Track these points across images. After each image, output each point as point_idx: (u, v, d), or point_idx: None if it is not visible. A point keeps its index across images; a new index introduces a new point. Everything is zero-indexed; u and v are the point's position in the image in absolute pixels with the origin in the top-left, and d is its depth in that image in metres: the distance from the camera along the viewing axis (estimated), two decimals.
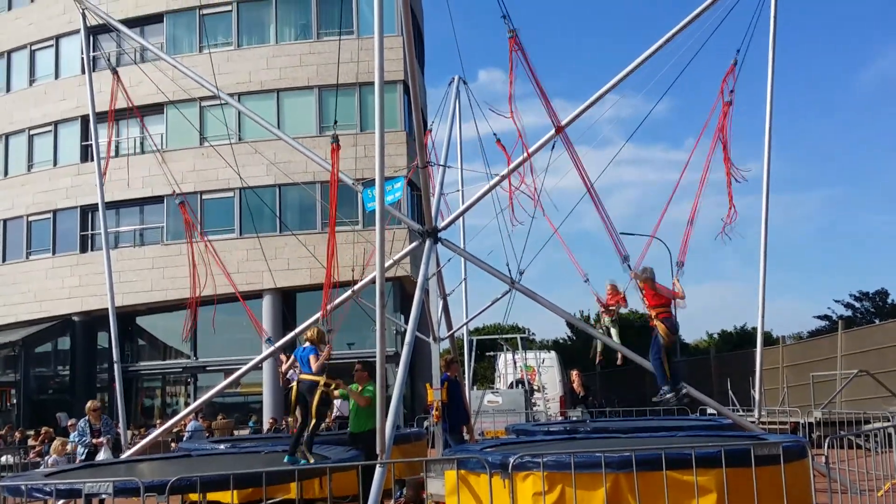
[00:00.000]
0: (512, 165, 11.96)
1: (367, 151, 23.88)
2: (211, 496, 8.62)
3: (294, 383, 9.32)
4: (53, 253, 30.27)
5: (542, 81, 10.60)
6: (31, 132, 31.27)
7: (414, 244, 12.61)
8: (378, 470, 8.47)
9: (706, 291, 73.24)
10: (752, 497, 7.14)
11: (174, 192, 15.32)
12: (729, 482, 7.24)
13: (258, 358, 13.28)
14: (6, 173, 31.85)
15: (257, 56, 28.99)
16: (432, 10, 35.31)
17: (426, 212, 11.95)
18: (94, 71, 15.29)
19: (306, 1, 29.22)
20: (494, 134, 13.76)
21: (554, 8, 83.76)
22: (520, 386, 22.15)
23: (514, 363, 23.98)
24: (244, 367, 13.16)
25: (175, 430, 18.23)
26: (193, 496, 8.36)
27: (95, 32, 24.70)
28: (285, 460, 9.05)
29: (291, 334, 13.01)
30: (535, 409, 21.65)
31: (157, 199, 28.30)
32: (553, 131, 11.00)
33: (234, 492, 7.46)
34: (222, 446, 12.92)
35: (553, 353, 26.67)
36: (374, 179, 9.28)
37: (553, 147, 11.15)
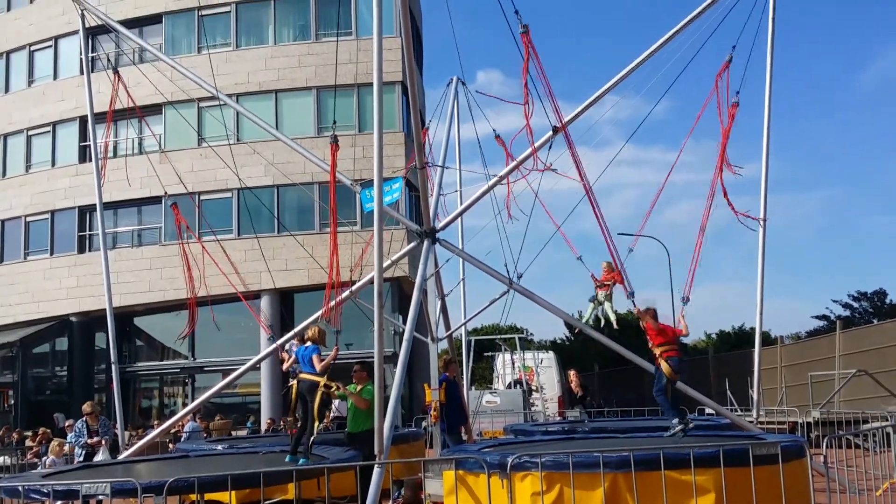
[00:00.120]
0: (511, 166, 11.95)
1: (366, 152, 23.90)
2: (209, 497, 8.59)
3: (293, 381, 9.32)
4: (51, 253, 30.21)
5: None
6: (30, 133, 31.22)
7: (412, 244, 12.62)
8: (376, 470, 8.47)
9: (705, 292, 73.31)
10: (751, 497, 7.13)
11: (166, 193, 15.28)
12: (727, 482, 7.24)
13: (256, 358, 13.30)
14: (4, 174, 31.78)
15: (256, 57, 28.96)
16: (431, 12, 35.36)
17: (424, 212, 11.94)
18: (92, 72, 15.29)
19: (305, 2, 29.18)
20: (494, 130, 13.77)
21: (554, 8, 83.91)
22: (518, 386, 22.16)
23: (513, 363, 23.99)
24: (242, 368, 13.18)
25: (173, 430, 18.21)
26: (191, 497, 8.36)
27: (94, 33, 24.89)
28: (286, 460, 9.06)
29: (291, 333, 13.01)
30: (533, 409, 21.66)
31: (155, 200, 28.11)
32: (554, 130, 10.97)
33: (232, 492, 7.46)
34: (220, 447, 12.86)
35: (551, 354, 26.68)
36: (372, 180, 9.28)
37: (551, 148, 11.14)
